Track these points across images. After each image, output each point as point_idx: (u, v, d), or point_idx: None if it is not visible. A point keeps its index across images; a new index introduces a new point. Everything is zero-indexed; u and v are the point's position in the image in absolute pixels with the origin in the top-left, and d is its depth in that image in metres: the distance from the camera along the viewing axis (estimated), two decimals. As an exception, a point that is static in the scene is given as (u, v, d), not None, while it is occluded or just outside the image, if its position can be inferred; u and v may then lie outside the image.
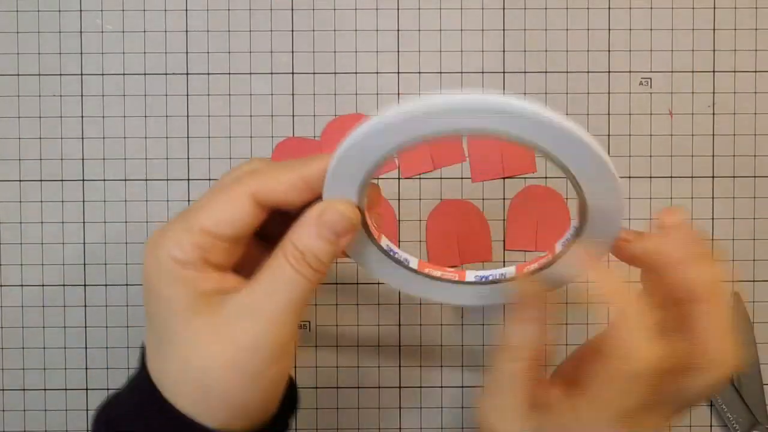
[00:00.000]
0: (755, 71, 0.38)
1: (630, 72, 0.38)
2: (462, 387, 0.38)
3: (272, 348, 0.25)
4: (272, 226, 0.27)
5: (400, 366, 0.38)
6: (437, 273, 0.29)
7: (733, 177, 0.38)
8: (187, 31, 0.37)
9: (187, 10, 0.37)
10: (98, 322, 0.38)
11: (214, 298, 0.25)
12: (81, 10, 0.37)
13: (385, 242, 0.29)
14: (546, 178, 0.38)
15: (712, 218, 0.38)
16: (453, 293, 0.29)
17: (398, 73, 0.38)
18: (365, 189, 0.26)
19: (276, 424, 0.28)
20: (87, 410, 0.38)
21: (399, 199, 0.37)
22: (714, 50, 0.38)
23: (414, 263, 0.29)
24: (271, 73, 0.38)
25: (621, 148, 0.38)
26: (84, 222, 0.38)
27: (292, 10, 0.37)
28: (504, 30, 0.38)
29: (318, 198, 0.26)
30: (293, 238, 0.26)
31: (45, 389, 0.38)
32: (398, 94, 0.38)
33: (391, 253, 0.29)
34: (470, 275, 0.30)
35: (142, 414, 0.27)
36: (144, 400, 0.27)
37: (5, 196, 0.38)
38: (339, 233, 0.25)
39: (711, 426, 0.38)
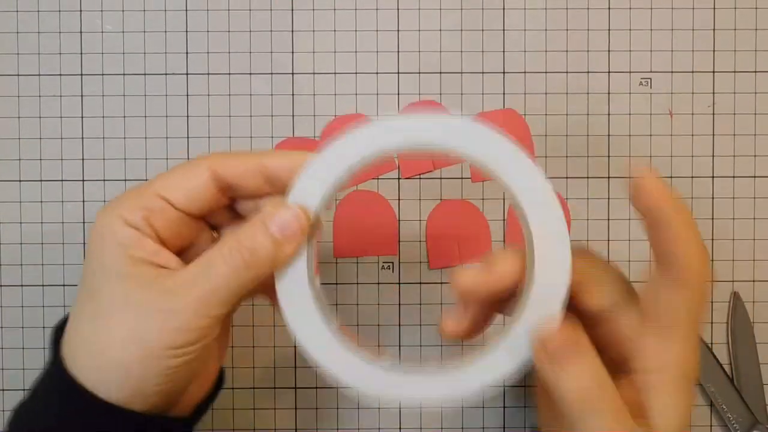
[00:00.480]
0: (755, 71, 0.38)
1: (630, 72, 0.38)
2: (462, 387, 0.38)
3: (179, 335, 0.24)
4: (226, 221, 0.28)
5: (400, 366, 0.38)
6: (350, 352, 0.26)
7: (733, 177, 0.38)
8: (187, 31, 0.37)
9: (187, 10, 0.37)
10: (98, 322, 0.38)
11: (142, 267, 0.25)
12: (81, 10, 0.37)
13: (317, 283, 0.27)
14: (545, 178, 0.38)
15: (712, 218, 0.38)
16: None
17: (398, 73, 0.38)
18: (327, 202, 0.26)
19: (193, 414, 0.28)
20: (87, 410, 0.38)
21: (399, 199, 0.37)
22: (714, 50, 0.38)
23: (332, 329, 0.26)
24: (271, 73, 0.38)
25: (621, 148, 0.38)
26: (84, 222, 0.38)
27: (292, 10, 0.37)
28: (504, 30, 0.38)
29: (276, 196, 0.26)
30: (238, 230, 0.25)
31: (45, 389, 0.38)
32: (398, 94, 0.38)
33: (318, 302, 0.26)
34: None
35: (44, 390, 0.26)
36: (49, 373, 0.27)
37: (5, 196, 0.38)
38: (286, 234, 0.25)
39: (711, 426, 0.38)
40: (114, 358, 0.25)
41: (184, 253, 0.28)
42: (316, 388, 0.38)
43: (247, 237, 0.25)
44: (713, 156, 0.38)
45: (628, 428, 0.24)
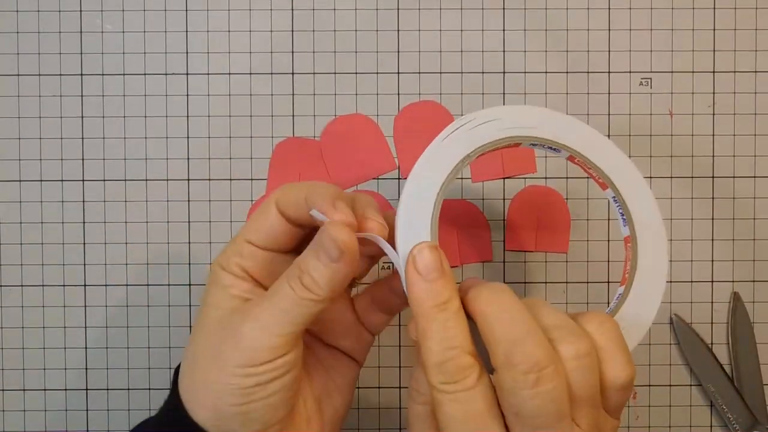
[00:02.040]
0: (755, 71, 0.38)
1: (630, 72, 0.38)
2: (462, 387, 0.38)
3: (247, 352, 0.26)
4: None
5: (400, 366, 0.38)
6: None
7: (733, 177, 0.38)
8: (187, 32, 0.37)
9: (187, 10, 0.37)
10: (98, 322, 0.38)
11: (236, 301, 0.28)
12: (81, 10, 0.37)
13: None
14: (546, 178, 0.38)
15: (712, 218, 0.38)
16: None
17: (398, 73, 0.38)
18: (436, 219, 0.27)
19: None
20: (87, 410, 0.38)
21: (399, 199, 0.37)
22: (714, 50, 0.38)
23: None
24: (271, 73, 0.38)
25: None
26: (84, 222, 0.38)
27: (292, 10, 0.37)
28: (504, 30, 0.38)
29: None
30: (299, 257, 0.27)
31: (45, 389, 0.38)
32: (398, 94, 0.38)
33: None
34: None
35: (163, 424, 0.28)
36: (167, 413, 0.28)
37: (5, 196, 0.38)
38: (332, 257, 0.25)
39: (711, 426, 0.38)
40: (199, 376, 0.27)
41: None
42: (316, 388, 0.38)
43: (305, 264, 0.26)
44: (713, 156, 0.38)
45: None
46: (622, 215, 0.28)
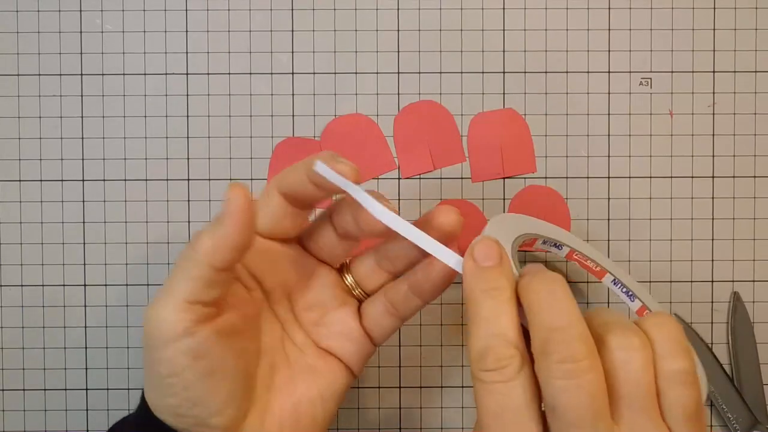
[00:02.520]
0: (755, 71, 0.38)
1: (630, 72, 0.38)
2: (462, 387, 0.38)
3: (189, 283, 0.26)
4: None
5: (400, 366, 0.38)
6: None
7: (733, 177, 0.38)
8: (187, 31, 0.37)
9: (187, 10, 0.37)
10: (98, 322, 0.38)
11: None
12: (81, 10, 0.37)
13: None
14: (546, 178, 0.38)
15: (712, 218, 0.38)
16: None
17: (398, 73, 0.38)
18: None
19: None
20: (87, 410, 0.38)
21: (399, 199, 0.37)
22: (714, 50, 0.38)
23: None
24: (271, 73, 0.38)
25: (621, 148, 0.38)
26: (84, 222, 0.38)
27: (292, 10, 0.37)
28: (504, 30, 0.38)
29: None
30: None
31: (45, 389, 0.38)
32: (398, 94, 0.38)
33: None
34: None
35: (139, 425, 0.28)
36: (140, 409, 0.28)
37: (5, 196, 0.38)
38: (220, 217, 0.25)
39: (711, 426, 0.38)
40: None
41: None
42: (316, 388, 0.38)
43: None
44: (713, 156, 0.38)
45: None
46: (627, 293, 0.31)
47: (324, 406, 0.29)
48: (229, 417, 0.27)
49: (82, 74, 0.37)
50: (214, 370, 0.26)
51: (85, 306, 0.38)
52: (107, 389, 0.38)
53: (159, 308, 0.25)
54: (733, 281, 0.38)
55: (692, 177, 0.38)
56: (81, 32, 0.37)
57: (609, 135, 0.38)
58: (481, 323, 0.24)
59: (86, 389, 0.38)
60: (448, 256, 0.26)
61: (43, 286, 0.38)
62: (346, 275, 0.31)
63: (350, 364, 0.30)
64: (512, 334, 0.24)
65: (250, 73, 0.38)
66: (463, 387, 0.38)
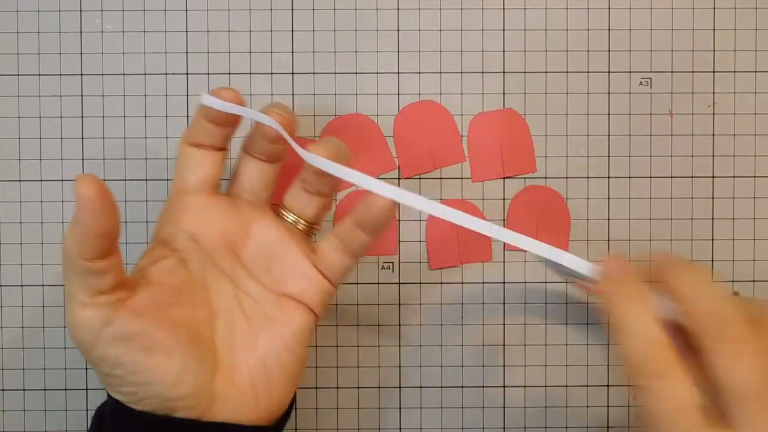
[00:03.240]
0: (755, 71, 0.38)
1: (630, 72, 0.38)
2: (462, 387, 0.38)
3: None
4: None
5: (400, 366, 0.38)
6: None
7: (733, 177, 0.38)
8: (187, 31, 0.37)
9: (187, 10, 0.37)
10: (98, 322, 0.38)
11: None
12: (81, 10, 0.37)
13: None
14: (546, 178, 0.38)
15: (712, 218, 0.38)
16: None
17: (398, 73, 0.38)
18: None
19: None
20: (87, 410, 0.38)
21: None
22: (714, 50, 0.38)
23: None
24: (271, 73, 0.38)
25: (621, 148, 0.38)
26: (84, 222, 0.38)
27: (292, 10, 0.37)
28: (504, 30, 0.38)
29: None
30: None
31: (45, 389, 0.38)
32: (398, 94, 0.38)
33: None
34: None
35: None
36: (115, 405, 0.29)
37: (5, 196, 0.38)
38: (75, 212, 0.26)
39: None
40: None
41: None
42: (316, 388, 0.38)
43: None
44: (713, 156, 0.38)
45: None
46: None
47: (291, 353, 0.30)
48: (190, 385, 0.28)
49: (82, 74, 0.37)
50: (151, 347, 0.27)
51: (85, 306, 0.38)
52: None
53: (69, 315, 0.27)
54: (732, 281, 0.38)
55: (692, 177, 0.38)
56: (81, 32, 0.37)
57: (609, 135, 0.38)
58: (632, 331, 0.26)
59: (86, 389, 0.38)
60: (376, 185, 0.28)
61: (43, 286, 0.38)
62: (285, 213, 0.32)
63: (310, 305, 0.30)
64: (663, 335, 0.25)
65: (250, 73, 0.38)
66: (462, 387, 0.38)
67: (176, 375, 0.27)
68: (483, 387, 0.38)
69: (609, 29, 0.38)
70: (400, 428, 0.38)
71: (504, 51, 0.38)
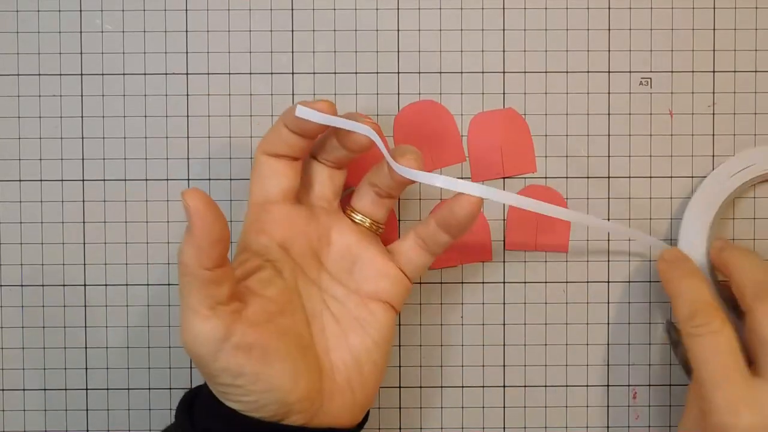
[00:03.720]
0: (755, 71, 0.38)
1: (630, 72, 0.38)
2: (462, 387, 0.38)
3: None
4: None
5: (400, 366, 0.38)
6: None
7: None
8: (187, 31, 0.37)
9: (187, 10, 0.37)
10: (98, 322, 0.38)
11: None
12: (81, 10, 0.37)
13: None
14: (546, 178, 0.38)
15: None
16: None
17: (398, 73, 0.38)
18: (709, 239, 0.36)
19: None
20: (87, 410, 0.38)
21: (399, 199, 0.37)
22: (714, 50, 0.38)
23: None
24: (271, 73, 0.38)
25: (621, 148, 0.38)
26: (84, 222, 0.38)
27: (292, 10, 0.37)
28: (504, 30, 0.38)
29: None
30: None
31: (45, 389, 0.38)
32: (398, 94, 0.38)
33: None
34: None
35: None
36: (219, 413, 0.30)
37: (5, 196, 0.38)
38: (188, 226, 0.27)
39: (711, 426, 0.38)
40: None
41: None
42: (316, 388, 0.38)
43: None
44: (713, 156, 0.38)
45: None
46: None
47: (380, 349, 0.32)
48: (305, 389, 0.29)
49: (82, 74, 0.37)
50: (268, 355, 0.28)
51: (85, 306, 0.38)
52: (107, 389, 0.38)
53: (189, 329, 0.27)
54: (733, 281, 0.38)
55: (692, 177, 0.38)
56: (81, 32, 0.37)
57: (609, 135, 0.38)
58: (685, 296, 0.32)
59: (86, 389, 0.38)
60: (470, 188, 0.29)
61: (43, 286, 0.38)
62: (354, 215, 0.33)
63: (392, 302, 0.32)
64: (712, 300, 0.31)
65: (250, 73, 0.38)
66: (462, 387, 0.38)
67: (292, 380, 0.29)
68: (483, 387, 0.38)
69: (609, 29, 0.38)
70: (400, 428, 0.38)
71: (504, 51, 0.38)
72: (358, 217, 0.33)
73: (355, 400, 0.31)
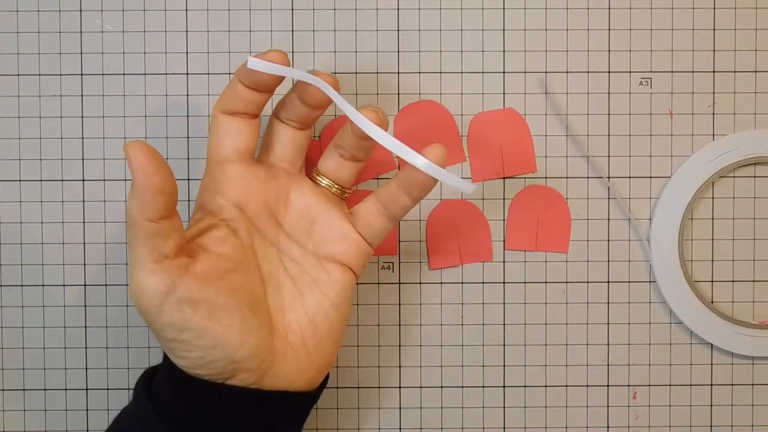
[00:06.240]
0: (755, 71, 0.38)
1: (630, 72, 0.38)
2: (462, 387, 0.38)
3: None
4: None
5: (399, 366, 0.38)
6: None
7: (734, 177, 0.38)
8: (187, 31, 0.37)
9: (187, 10, 0.37)
10: (98, 322, 0.38)
11: None
12: (81, 10, 0.37)
13: None
14: (546, 178, 0.38)
15: (712, 218, 0.38)
16: None
17: (398, 73, 0.38)
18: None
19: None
20: (87, 410, 0.38)
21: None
22: (714, 50, 0.38)
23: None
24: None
25: (621, 148, 0.38)
26: (84, 222, 0.38)
27: (292, 10, 0.37)
28: (504, 30, 0.38)
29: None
30: None
31: (45, 389, 0.38)
32: (398, 94, 0.38)
33: None
34: None
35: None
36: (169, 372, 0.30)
37: (5, 196, 0.38)
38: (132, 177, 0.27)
39: (711, 426, 0.38)
40: None
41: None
42: (316, 388, 0.38)
43: None
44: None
45: None
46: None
47: (337, 311, 0.32)
48: (254, 345, 0.29)
49: (82, 74, 0.37)
50: (215, 311, 0.28)
51: (85, 306, 0.38)
52: (107, 389, 0.38)
53: (135, 282, 0.27)
54: (732, 281, 0.38)
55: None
56: (81, 32, 0.37)
57: (609, 135, 0.38)
58: None
59: (86, 389, 0.38)
60: (408, 154, 0.29)
61: (43, 286, 0.38)
62: (319, 178, 0.33)
63: (351, 266, 0.32)
64: None
65: (250, 73, 0.37)
66: (462, 387, 0.38)
67: (240, 337, 0.28)
68: (483, 387, 0.38)
69: (609, 29, 0.38)
70: (400, 428, 0.38)
71: (504, 51, 0.38)
72: (324, 182, 0.33)
73: (310, 361, 0.31)
